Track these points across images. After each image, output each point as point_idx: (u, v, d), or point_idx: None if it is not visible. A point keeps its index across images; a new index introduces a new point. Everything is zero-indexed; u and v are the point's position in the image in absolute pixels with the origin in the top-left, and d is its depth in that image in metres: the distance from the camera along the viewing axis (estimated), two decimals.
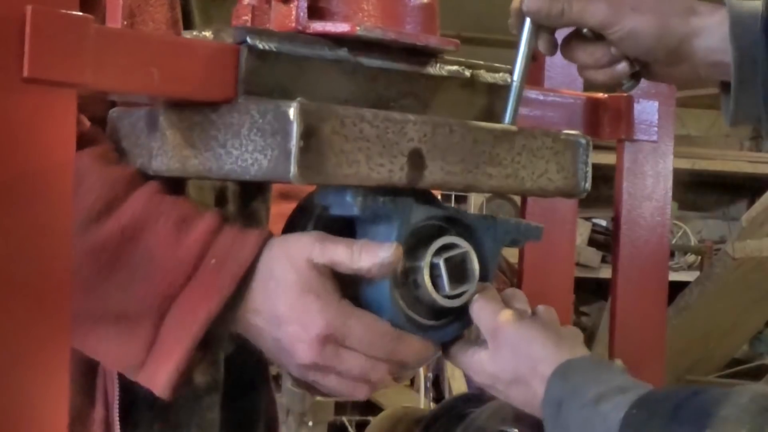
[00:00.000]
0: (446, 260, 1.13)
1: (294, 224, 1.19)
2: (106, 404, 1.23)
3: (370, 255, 1.08)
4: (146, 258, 1.09)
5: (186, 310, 1.09)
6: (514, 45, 1.25)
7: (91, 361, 1.18)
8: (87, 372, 1.23)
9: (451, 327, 1.18)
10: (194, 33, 1.11)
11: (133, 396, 1.21)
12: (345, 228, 1.13)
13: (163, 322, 1.09)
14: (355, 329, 1.09)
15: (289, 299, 1.09)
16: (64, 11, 0.88)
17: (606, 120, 1.54)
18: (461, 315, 1.17)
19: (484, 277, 1.17)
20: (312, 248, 1.10)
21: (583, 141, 1.21)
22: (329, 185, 1.07)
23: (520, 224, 1.20)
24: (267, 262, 1.10)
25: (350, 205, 1.07)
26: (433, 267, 1.13)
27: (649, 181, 1.57)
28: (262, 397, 1.46)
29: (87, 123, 1.17)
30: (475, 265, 1.15)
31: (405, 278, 1.13)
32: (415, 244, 1.13)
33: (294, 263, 1.09)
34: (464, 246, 1.14)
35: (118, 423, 1.23)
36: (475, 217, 1.18)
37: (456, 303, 1.15)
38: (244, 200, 1.32)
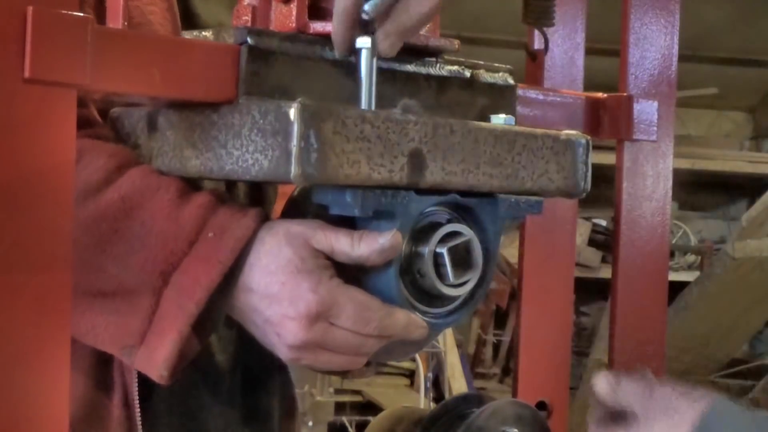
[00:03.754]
0: (450, 249, 1.13)
1: (287, 217, 1.19)
2: (124, 394, 1.23)
3: (370, 242, 1.08)
4: (146, 228, 1.09)
5: (188, 278, 1.08)
6: (514, 45, 1.25)
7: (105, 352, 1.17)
8: (101, 364, 1.22)
9: (456, 315, 1.18)
10: (195, 33, 1.12)
11: (150, 383, 1.20)
12: (340, 224, 1.13)
13: (164, 292, 1.09)
14: (346, 307, 1.08)
15: (282, 277, 1.08)
16: (64, 12, 0.87)
17: (606, 120, 1.54)
18: (465, 303, 1.18)
19: (487, 257, 1.17)
20: (313, 233, 1.10)
21: (583, 141, 1.21)
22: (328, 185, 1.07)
23: (520, 200, 1.20)
24: (265, 239, 1.10)
25: (350, 206, 1.07)
26: (437, 256, 1.13)
27: (649, 181, 1.57)
28: (278, 381, 1.45)
29: (92, 108, 1.18)
30: (479, 252, 1.15)
31: (409, 268, 1.13)
32: (418, 233, 1.13)
33: (292, 243, 1.09)
34: (467, 234, 1.14)
35: (138, 411, 1.22)
36: (474, 198, 1.17)
37: (460, 292, 1.15)
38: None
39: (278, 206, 1.31)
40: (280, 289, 1.08)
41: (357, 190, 1.06)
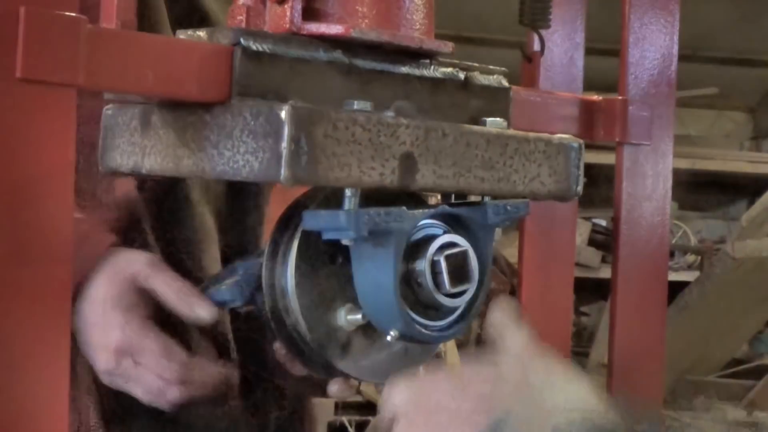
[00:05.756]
0: (446, 257, 1.12)
1: (282, 228, 1.18)
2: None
3: (187, 306, 1.15)
4: None
5: None
6: (514, 45, 1.25)
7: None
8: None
9: (454, 328, 1.18)
10: (189, 33, 1.11)
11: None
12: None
13: None
14: (149, 349, 1.16)
15: (100, 309, 1.17)
16: (57, 12, 0.88)
17: (600, 122, 1.54)
18: (462, 316, 1.18)
19: (482, 267, 1.16)
20: (142, 270, 1.17)
21: (576, 145, 1.21)
22: (318, 210, 1.09)
23: (507, 204, 1.20)
24: (101, 268, 1.18)
25: (345, 228, 1.06)
26: (434, 264, 1.12)
27: (649, 181, 1.57)
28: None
29: None
30: (475, 263, 1.15)
31: (408, 283, 1.13)
32: (413, 248, 1.13)
33: (116, 279, 1.17)
34: (463, 244, 1.14)
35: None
36: (464, 206, 1.18)
37: (457, 302, 1.15)
38: None
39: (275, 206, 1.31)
40: (97, 320, 1.17)
41: (350, 212, 1.05)
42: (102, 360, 1.18)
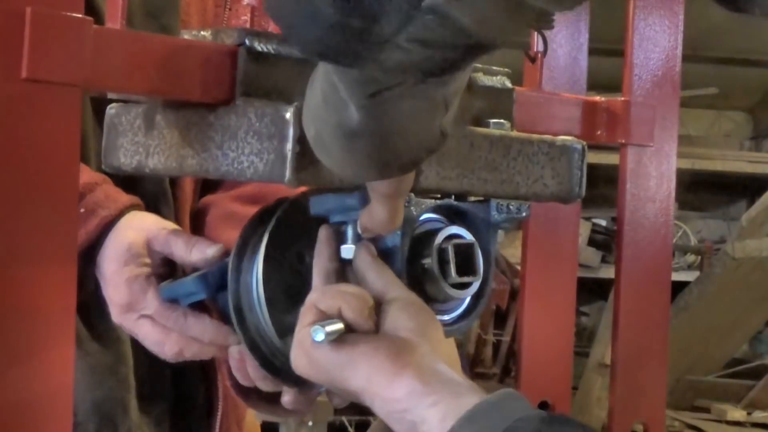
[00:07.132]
0: (454, 247, 1.12)
1: (252, 228, 1.18)
2: None
3: (200, 250, 1.22)
4: None
5: None
6: (518, 46, 1.24)
7: None
8: None
9: (459, 323, 1.18)
10: (194, 33, 1.11)
11: None
12: (303, 232, 1.13)
13: None
14: (151, 303, 1.23)
15: (113, 266, 1.24)
16: (63, 13, 0.88)
17: (603, 124, 1.53)
18: (467, 312, 1.18)
19: (486, 263, 1.17)
20: (156, 235, 1.23)
21: (579, 147, 1.21)
22: (326, 195, 1.08)
23: (510, 204, 1.20)
24: (120, 227, 1.26)
25: (354, 208, 1.06)
26: (442, 252, 1.12)
27: (653, 182, 1.57)
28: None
29: None
30: (480, 257, 1.15)
31: (413, 274, 1.13)
32: (418, 240, 1.13)
33: (133, 238, 1.24)
34: (469, 237, 1.14)
35: None
36: (469, 204, 1.18)
37: (463, 293, 1.14)
38: None
39: None
40: (110, 276, 1.25)
41: (362, 192, 1.05)
42: (113, 312, 1.26)
